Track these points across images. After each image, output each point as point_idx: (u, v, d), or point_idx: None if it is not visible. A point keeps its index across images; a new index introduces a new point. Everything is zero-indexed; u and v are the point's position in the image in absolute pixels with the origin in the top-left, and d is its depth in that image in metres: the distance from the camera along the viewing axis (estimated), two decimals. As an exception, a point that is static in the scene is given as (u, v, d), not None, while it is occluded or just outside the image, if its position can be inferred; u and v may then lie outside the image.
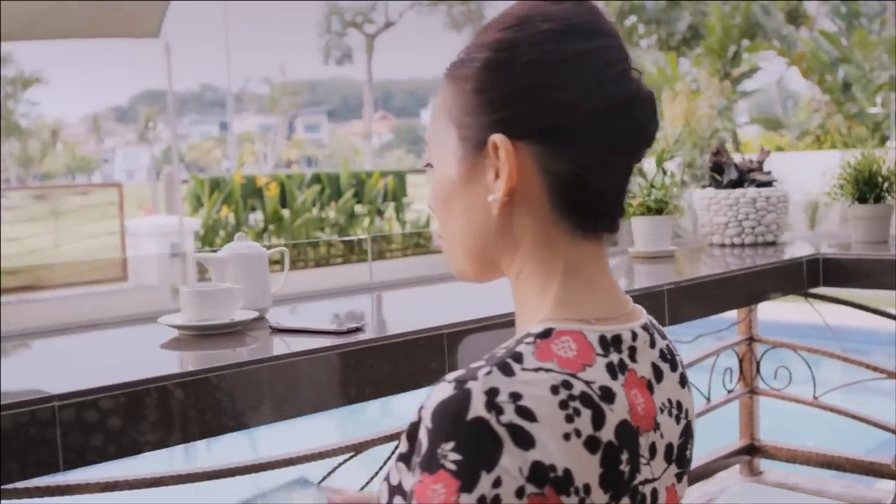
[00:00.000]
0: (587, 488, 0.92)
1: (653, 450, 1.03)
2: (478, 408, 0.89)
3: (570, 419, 0.92)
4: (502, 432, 0.89)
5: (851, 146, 15.72)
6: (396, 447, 0.99)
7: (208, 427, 1.42)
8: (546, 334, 0.98)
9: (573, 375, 0.95)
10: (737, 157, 3.47)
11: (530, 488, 0.88)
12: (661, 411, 1.06)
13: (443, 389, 0.92)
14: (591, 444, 0.93)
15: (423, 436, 0.91)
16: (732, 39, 17.21)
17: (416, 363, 1.74)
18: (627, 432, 0.98)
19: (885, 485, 3.61)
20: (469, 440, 0.88)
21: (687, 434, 1.12)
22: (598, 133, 1.01)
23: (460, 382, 0.91)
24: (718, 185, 3.39)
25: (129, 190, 16.64)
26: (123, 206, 12.89)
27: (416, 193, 20.57)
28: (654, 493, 1.02)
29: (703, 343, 3.49)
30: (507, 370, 0.93)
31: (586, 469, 0.92)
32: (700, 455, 3.63)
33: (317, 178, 16.31)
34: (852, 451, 3.55)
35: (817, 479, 3.63)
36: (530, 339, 0.97)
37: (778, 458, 3.68)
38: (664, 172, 3.10)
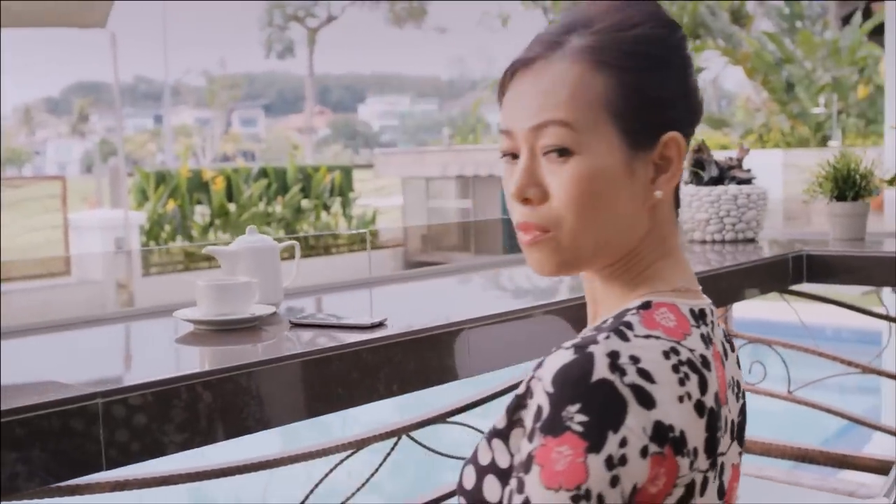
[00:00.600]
0: (696, 452, 0.96)
1: (725, 424, 1.06)
2: (602, 370, 0.92)
3: (682, 382, 0.96)
4: (626, 393, 0.92)
5: (794, 146, 16.00)
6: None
7: (250, 422, 1.39)
8: (646, 306, 1.03)
9: (678, 343, 0.99)
10: (718, 155, 3.50)
11: (653, 447, 0.92)
12: (728, 387, 1.09)
13: (562, 356, 0.94)
14: (699, 409, 0.97)
15: (541, 402, 0.92)
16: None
17: (440, 358, 1.71)
18: (718, 402, 1.02)
19: (859, 477, 3.67)
20: (595, 401, 0.90)
21: (744, 414, 1.16)
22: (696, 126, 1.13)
23: (580, 347, 0.94)
24: (700, 182, 3.41)
25: (69, 183, 16.32)
26: (66, 199, 12.64)
27: (363, 189, 20.52)
28: (722, 467, 1.04)
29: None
30: (623, 336, 0.96)
31: (696, 432, 0.96)
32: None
33: (263, 173, 16.18)
34: (825, 444, 3.61)
35: (791, 473, 3.67)
36: (634, 311, 1.02)
37: (753, 452, 3.71)
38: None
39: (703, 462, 0.97)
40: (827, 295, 3.40)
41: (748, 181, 3.39)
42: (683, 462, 0.94)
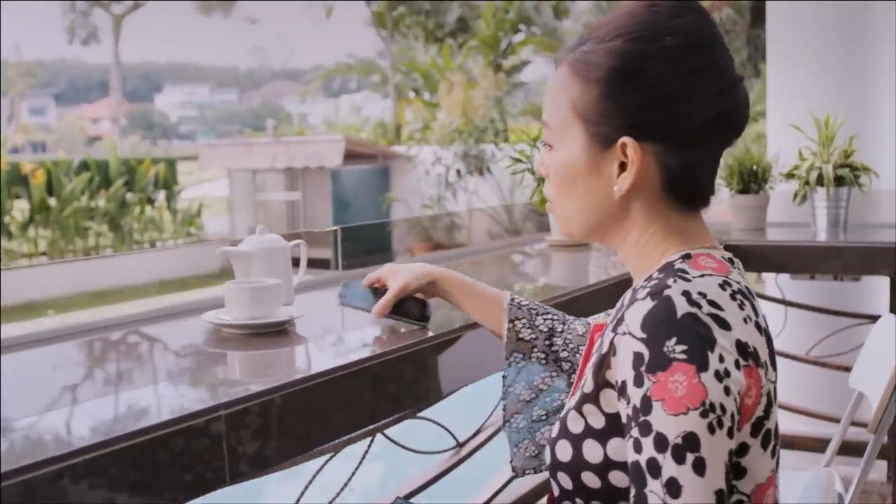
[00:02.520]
0: (766, 364, 1.10)
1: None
2: (683, 306, 1.06)
3: (741, 307, 1.10)
4: (707, 320, 1.06)
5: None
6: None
7: (384, 410, 1.39)
8: (687, 256, 1.17)
9: (726, 277, 1.13)
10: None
11: (741, 361, 1.06)
12: None
13: (642, 305, 1.08)
14: (758, 328, 1.11)
15: (636, 348, 1.05)
16: (505, 32, 17.78)
17: (489, 349, 1.73)
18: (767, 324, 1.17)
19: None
20: (688, 331, 1.04)
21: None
22: (710, 135, 1.18)
23: (656, 294, 1.08)
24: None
25: None
26: None
27: (187, 181, 19.95)
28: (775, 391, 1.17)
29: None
30: (684, 279, 1.11)
31: (762, 348, 1.10)
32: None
33: (85, 166, 15.51)
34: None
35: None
36: (680, 260, 1.16)
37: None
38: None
39: (771, 373, 1.12)
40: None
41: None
42: (762, 373, 1.09)
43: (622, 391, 1.08)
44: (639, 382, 1.04)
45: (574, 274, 2.80)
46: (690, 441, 1.02)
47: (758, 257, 3.20)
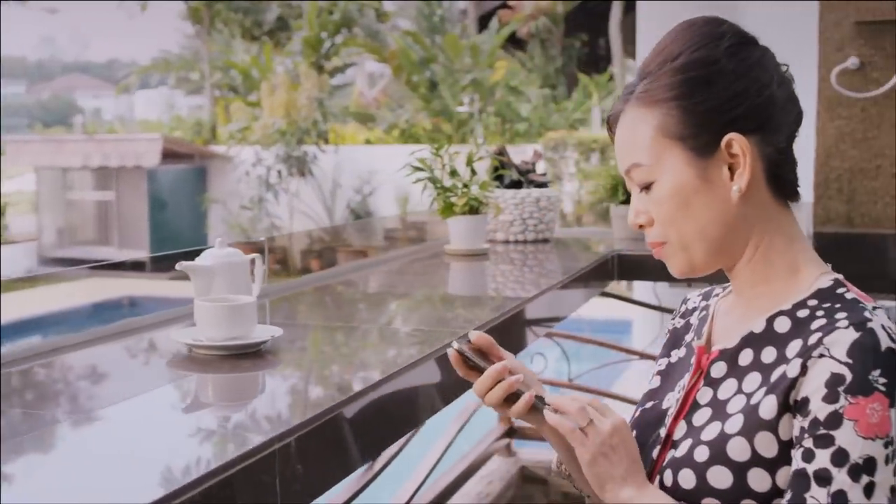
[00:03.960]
0: None
1: None
2: (886, 340, 1.12)
3: None
4: None
5: (437, 142, 16.79)
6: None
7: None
8: (840, 283, 1.23)
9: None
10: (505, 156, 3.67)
11: None
12: None
13: (846, 334, 1.12)
14: None
15: (838, 370, 1.10)
16: (328, 33, 17.65)
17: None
18: None
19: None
20: (889, 366, 1.10)
21: None
22: (787, 118, 1.25)
23: (860, 325, 1.13)
24: (501, 184, 3.56)
25: None
26: None
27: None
28: None
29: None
30: (871, 311, 1.16)
31: None
32: (471, 445, 3.81)
33: None
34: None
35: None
36: (844, 289, 1.22)
37: (536, 439, 3.95)
38: (473, 172, 3.22)
39: None
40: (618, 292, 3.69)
41: (544, 184, 3.59)
42: None
43: (802, 406, 1.11)
44: (831, 399, 1.10)
45: (489, 281, 2.82)
46: (869, 465, 1.08)
47: (638, 266, 3.30)
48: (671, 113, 1.22)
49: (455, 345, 1.24)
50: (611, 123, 1.31)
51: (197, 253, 1.80)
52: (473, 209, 3.11)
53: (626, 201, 3.59)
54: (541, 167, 3.72)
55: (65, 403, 1.46)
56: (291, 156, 15.79)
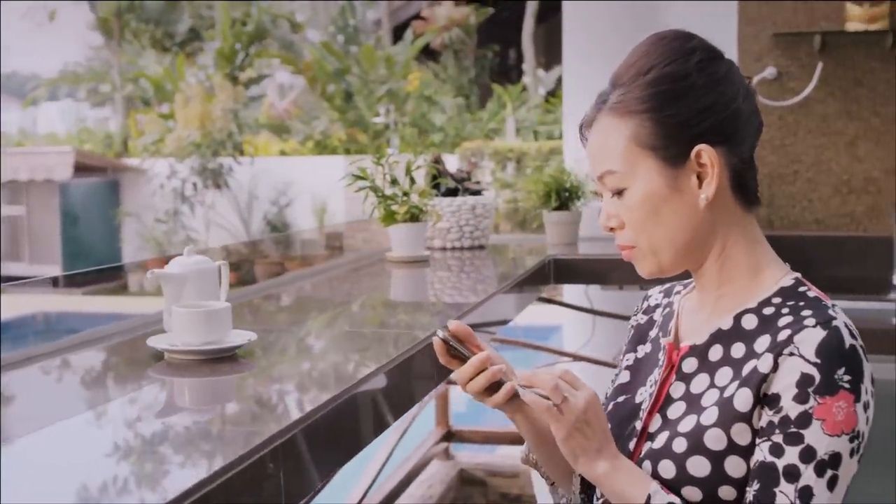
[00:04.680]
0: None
1: None
2: (848, 338, 1.21)
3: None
4: (861, 353, 1.22)
5: (353, 152, 16.82)
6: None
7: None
8: (801, 282, 1.32)
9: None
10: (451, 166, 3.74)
11: (871, 388, 1.22)
12: None
13: (814, 333, 1.21)
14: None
15: (806, 370, 1.19)
16: (242, 45, 17.53)
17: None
18: None
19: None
20: (853, 363, 1.20)
21: None
22: (751, 129, 1.33)
23: (825, 324, 1.21)
24: (438, 192, 3.64)
25: None
26: None
27: None
28: None
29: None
30: (832, 308, 1.25)
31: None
32: (411, 449, 3.86)
33: None
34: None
35: (508, 456, 4.03)
36: (805, 287, 1.31)
37: (474, 441, 4.03)
38: (413, 181, 3.28)
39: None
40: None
41: (478, 192, 3.68)
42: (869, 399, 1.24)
43: (773, 401, 1.20)
44: (802, 400, 1.18)
45: (430, 287, 2.89)
46: (834, 460, 1.17)
47: (572, 270, 3.41)
48: (644, 124, 1.29)
49: (440, 333, 1.30)
50: (583, 129, 1.38)
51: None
52: (414, 217, 3.17)
53: (559, 208, 3.71)
54: (476, 175, 3.80)
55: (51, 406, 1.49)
56: (207, 168, 15.65)
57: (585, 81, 4.54)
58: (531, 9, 19.16)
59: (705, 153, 1.28)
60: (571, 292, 4.26)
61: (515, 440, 3.97)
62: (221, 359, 1.66)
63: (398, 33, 19.40)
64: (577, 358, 3.88)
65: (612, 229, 1.36)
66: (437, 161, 3.68)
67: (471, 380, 1.29)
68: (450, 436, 4.02)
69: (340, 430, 1.39)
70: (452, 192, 3.65)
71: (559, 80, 19.04)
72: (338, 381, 1.56)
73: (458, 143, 16.39)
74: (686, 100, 1.29)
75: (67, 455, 1.21)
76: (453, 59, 19.07)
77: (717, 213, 1.31)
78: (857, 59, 3.81)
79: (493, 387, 1.29)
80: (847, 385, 1.18)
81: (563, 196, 3.68)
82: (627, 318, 3.91)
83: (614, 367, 3.98)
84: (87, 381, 1.72)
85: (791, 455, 1.18)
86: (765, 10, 3.89)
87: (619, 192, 1.33)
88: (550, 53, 20.19)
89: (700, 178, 1.30)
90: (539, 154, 14.39)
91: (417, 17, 19.12)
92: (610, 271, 3.36)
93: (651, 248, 1.33)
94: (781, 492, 1.17)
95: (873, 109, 3.81)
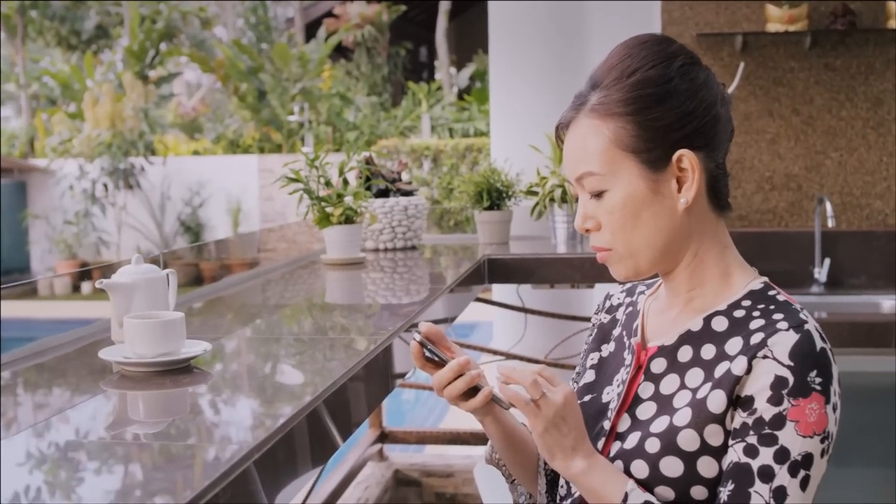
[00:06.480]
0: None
1: None
2: (819, 341, 1.24)
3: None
4: (831, 356, 1.25)
5: (268, 151, 16.66)
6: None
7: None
8: (770, 287, 1.34)
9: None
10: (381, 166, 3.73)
11: (838, 390, 1.25)
12: None
13: (787, 336, 1.23)
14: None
15: (781, 373, 1.21)
16: (152, 43, 17.21)
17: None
18: None
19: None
20: (824, 365, 1.23)
21: None
22: (726, 135, 1.36)
23: (797, 327, 1.24)
24: (371, 193, 3.62)
25: None
26: None
27: None
28: None
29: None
30: (802, 313, 1.28)
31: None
32: (347, 452, 3.85)
33: None
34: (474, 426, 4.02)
35: (442, 456, 4.04)
36: (774, 291, 1.34)
37: (408, 442, 4.02)
38: (346, 182, 3.27)
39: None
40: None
41: (410, 193, 3.68)
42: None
43: (747, 403, 1.22)
44: (776, 402, 1.21)
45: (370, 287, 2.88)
46: (807, 460, 1.21)
47: (504, 269, 3.43)
48: (626, 127, 1.29)
49: (417, 337, 1.29)
50: (560, 130, 1.37)
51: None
52: (349, 219, 3.16)
53: (490, 208, 3.72)
54: (406, 176, 3.79)
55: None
56: (118, 168, 15.33)
57: (511, 80, 4.58)
58: (444, 7, 19.20)
59: (686, 158, 1.30)
60: (502, 290, 4.28)
61: (449, 440, 3.98)
62: (176, 370, 1.62)
63: (311, 31, 19.26)
64: (509, 356, 3.90)
65: (588, 231, 1.35)
66: (370, 162, 3.66)
67: (448, 384, 1.29)
68: (384, 437, 4.01)
69: (294, 452, 1.38)
70: (384, 193, 3.64)
71: (472, 78, 19.20)
72: (290, 396, 1.55)
73: (373, 141, 16.35)
74: (669, 104, 1.30)
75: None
76: (366, 57, 19.01)
77: (693, 217, 1.33)
78: (777, 60, 3.91)
79: (470, 391, 1.29)
80: (819, 387, 1.21)
81: (494, 196, 3.70)
82: (558, 316, 3.96)
83: (546, 364, 4.02)
84: (37, 396, 1.67)
85: (765, 456, 1.20)
86: (687, 11, 3.97)
87: (597, 194, 1.33)
88: (461, 51, 20.27)
89: (680, 183, 1.31)
90: (455, 151, 14.45)
91: (330, 14, 19.01)
92: (542, 269, 3.39)
93: (629, 251, 1.33)
94: (756, 492, 1.20)
95: (793, 108, 3.92)
